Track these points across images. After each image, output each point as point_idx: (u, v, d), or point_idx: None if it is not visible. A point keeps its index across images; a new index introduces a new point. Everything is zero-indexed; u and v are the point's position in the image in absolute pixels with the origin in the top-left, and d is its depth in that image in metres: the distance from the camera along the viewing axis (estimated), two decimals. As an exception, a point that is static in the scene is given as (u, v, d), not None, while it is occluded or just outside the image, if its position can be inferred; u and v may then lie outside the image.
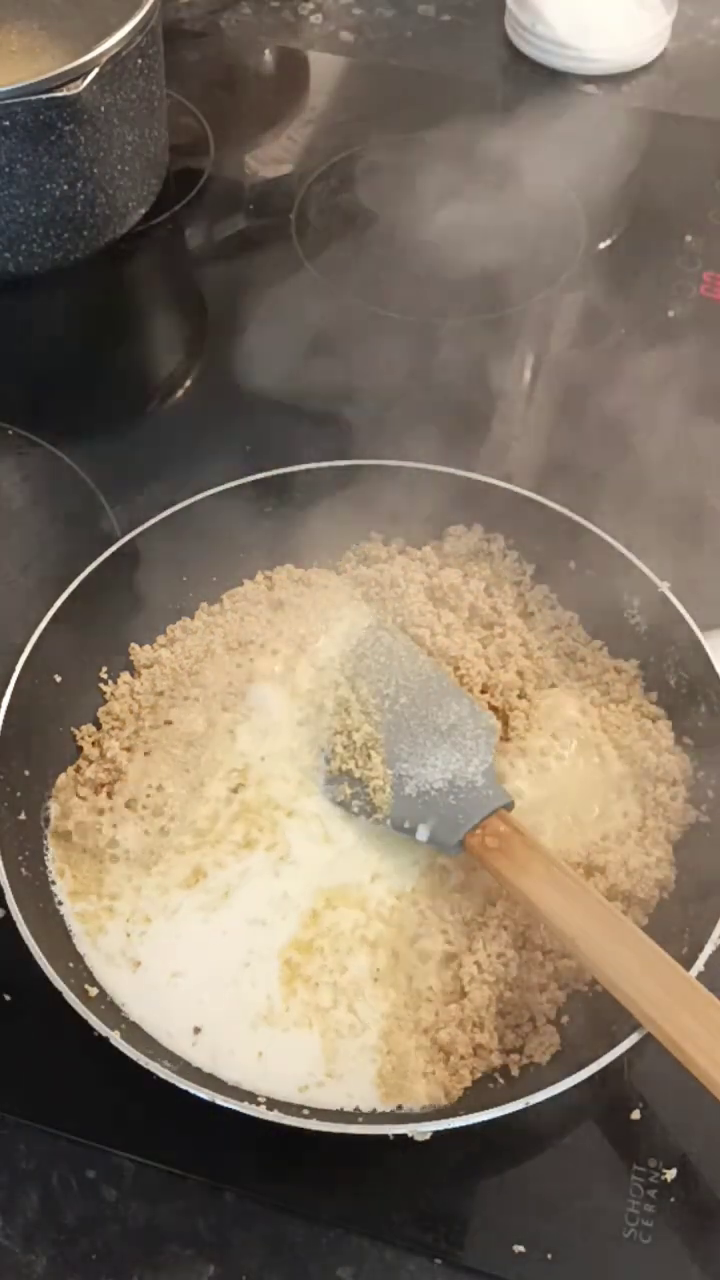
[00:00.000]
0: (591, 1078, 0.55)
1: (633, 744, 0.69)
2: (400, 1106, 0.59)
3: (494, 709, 0.71)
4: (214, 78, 1.18)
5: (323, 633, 0.74)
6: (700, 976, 0.57)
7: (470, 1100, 0.58)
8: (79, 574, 0.71)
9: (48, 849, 0.66)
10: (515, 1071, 0.59)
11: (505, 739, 0.70)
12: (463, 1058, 0.59)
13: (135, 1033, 0.60)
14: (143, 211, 1.00)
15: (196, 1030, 0.60)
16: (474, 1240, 0.57)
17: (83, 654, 0.72)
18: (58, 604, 0.70)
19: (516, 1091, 0.56)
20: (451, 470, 0.76)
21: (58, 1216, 0.58)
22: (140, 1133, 0.60)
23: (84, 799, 0.68)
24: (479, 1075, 0.59)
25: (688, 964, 0.58)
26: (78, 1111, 0.61)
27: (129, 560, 0.73)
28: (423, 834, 0.65)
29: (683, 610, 0.70)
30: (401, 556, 0.78)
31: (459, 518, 0.77)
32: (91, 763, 0.70)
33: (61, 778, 0.69)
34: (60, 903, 0.65)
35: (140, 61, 0.90)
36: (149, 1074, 0.55)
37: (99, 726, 0.72)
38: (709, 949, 0.59)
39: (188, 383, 0.94)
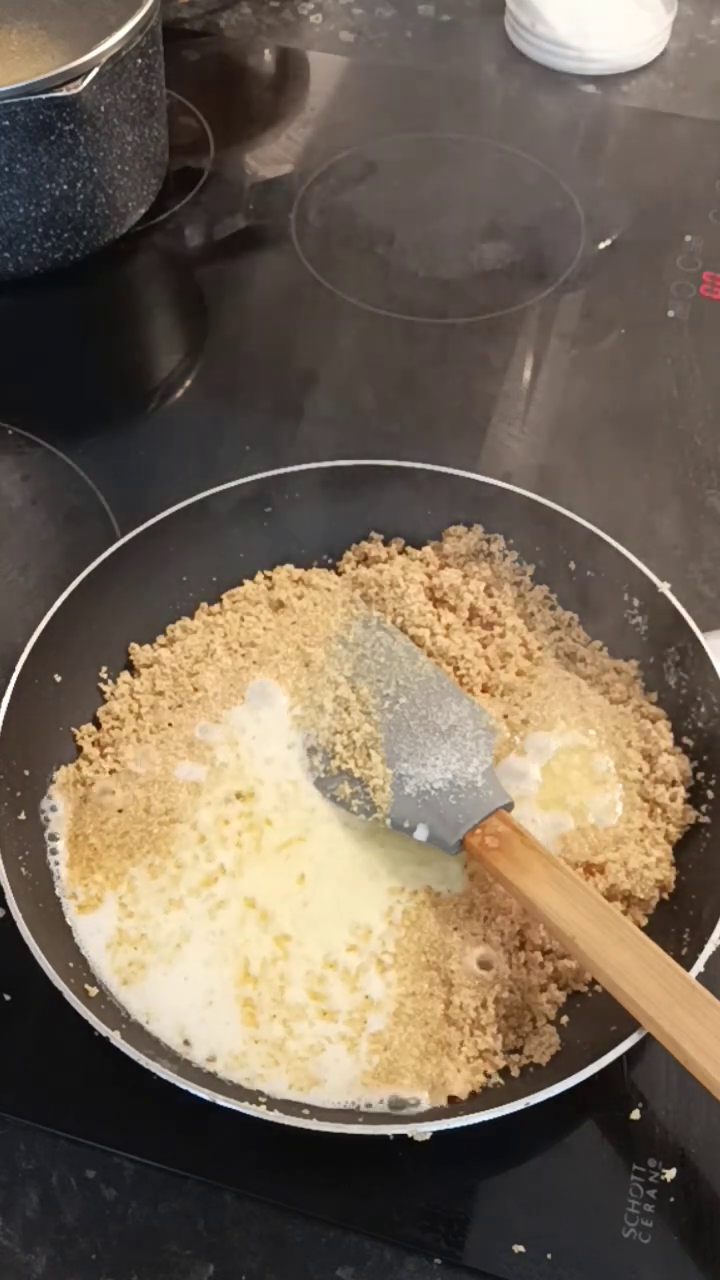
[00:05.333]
0: (591, 1078, 0.55)
1: (633, 744, 0.69)
2: (400, 1107, 0.58)
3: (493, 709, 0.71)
4: (214, 78, 1.18)
5: (322, 633, 0.74)
6: (700, 977, 0.57)
7: (470, 1100, 0.58)
8: (79, 574, 0.71)
9: (48, 849, 0.66)
10: (515, 1072, 0.60)
11: (505, 739, 0.70)
12: (468, 1060, 0.59)
13: (135, 1033, 0.60)
14: (143, 211, 1.00)
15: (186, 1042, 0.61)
16: (474, 1240, 0.57)
17: (83, 654, 0.72)
18: (58, 604, 0.70)
19: (516, 1091, 0.56)
20: (451, 470, 0.76)
21: (58, 1216, 0.58)
22: (140, 1133, 0.60)
23: (84, 798, 0.68)
24: (480, 1076, 0.59)
25: (688, 964, 0.58)
26: (78, 1111, 0.61)
27: (129, 560, 0.73)
28: (422, 834, 0.65)
29: (683, 610, 0.70)
30: (401, 556, 0.78)
31: (459, 518, 0.77)
32: (91, 762, 0.70)
33: (61, 777, 0.69)
34: (60, 902, 0.65)
35: (140, 61, 0.90)
36: (149, 1074, 0.55)
37: (99, 726, 0.72)
38: (709, 949, 0.59)
39: (188, 383, 0.94)
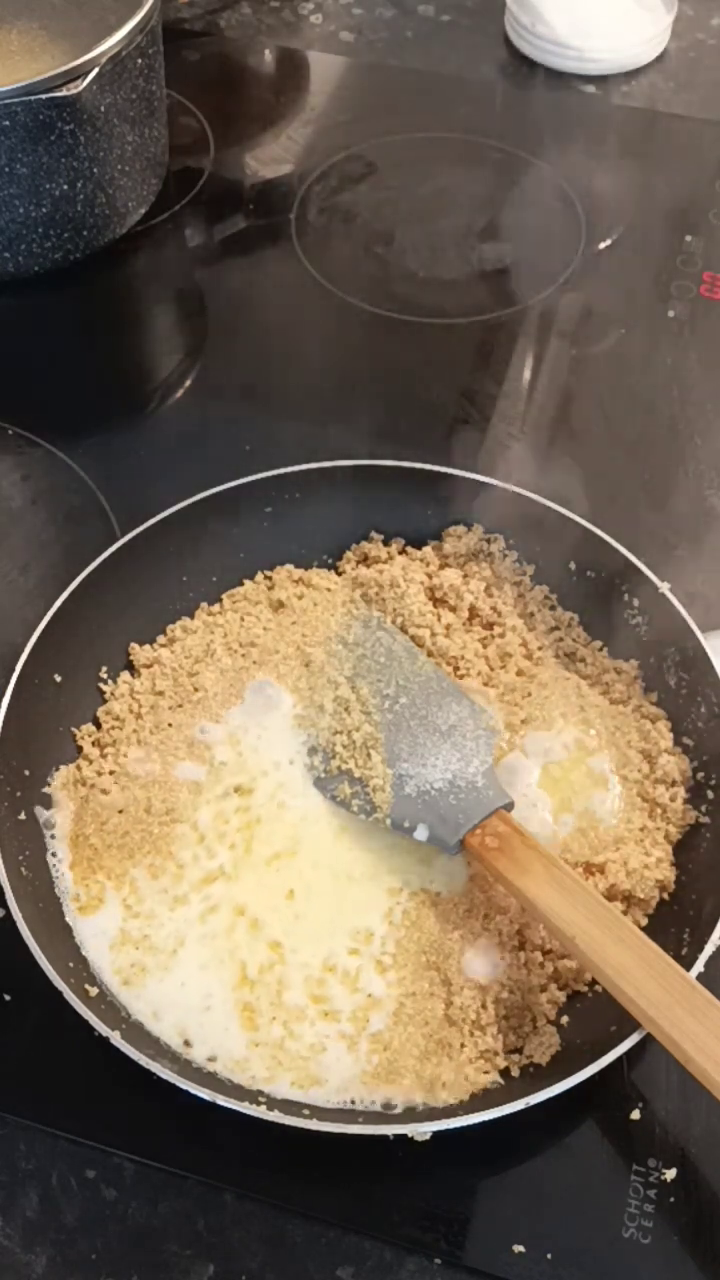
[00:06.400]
0: (591, 1078, 0.55)
1: (632, 744, 0.69)
2: (400, 1107, 0.58)
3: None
4: (214, 78, 1.18)
5: (322, 633, 0.74)
6: (700, 977, 0.57)
7: (470, 1100, 0.58)
8: (79, 574, 0.71)
9: (48, 849, 0.66)
10: (515, 1072, 0.59)
11: (504, 739, 0.70)
12: (468, 1060, 0.59)
13: (135, 1033, 0.60)
14: (143, 211, 1.00)
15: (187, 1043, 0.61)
16: (474, 1240, 0.57)
17: (83, 654, 0.72)
18: (58, 604, 0.70)
19: (516, 1091, 0.56)
20: (451, 470, 0.76)
21: (58, 1216, 0.58)
22: (140, 1133, 0.60)
23: (84, 798, 0.68)
24: (480, 1076, 0.59)
25: (688, 964, 0.58)
26: (78, 1111, 0.60)
27: (129, 560, 0.73)
28: (422, 834, 0.65)
29: (683, 610, 0.70)
30: (401, 556, 0.78)
31: (459, 518, 0.77)
32: (91, 762, 0.70)
33: (61, 777, 0.69)
34: (60, 902, 0.65)
35: (140, 61, 0.90)
36: (149, 1074, 0.55)
37: (99, 726, 0.72)
38: (709, 949, 0.59)
39: (188, 383, 0.94)
